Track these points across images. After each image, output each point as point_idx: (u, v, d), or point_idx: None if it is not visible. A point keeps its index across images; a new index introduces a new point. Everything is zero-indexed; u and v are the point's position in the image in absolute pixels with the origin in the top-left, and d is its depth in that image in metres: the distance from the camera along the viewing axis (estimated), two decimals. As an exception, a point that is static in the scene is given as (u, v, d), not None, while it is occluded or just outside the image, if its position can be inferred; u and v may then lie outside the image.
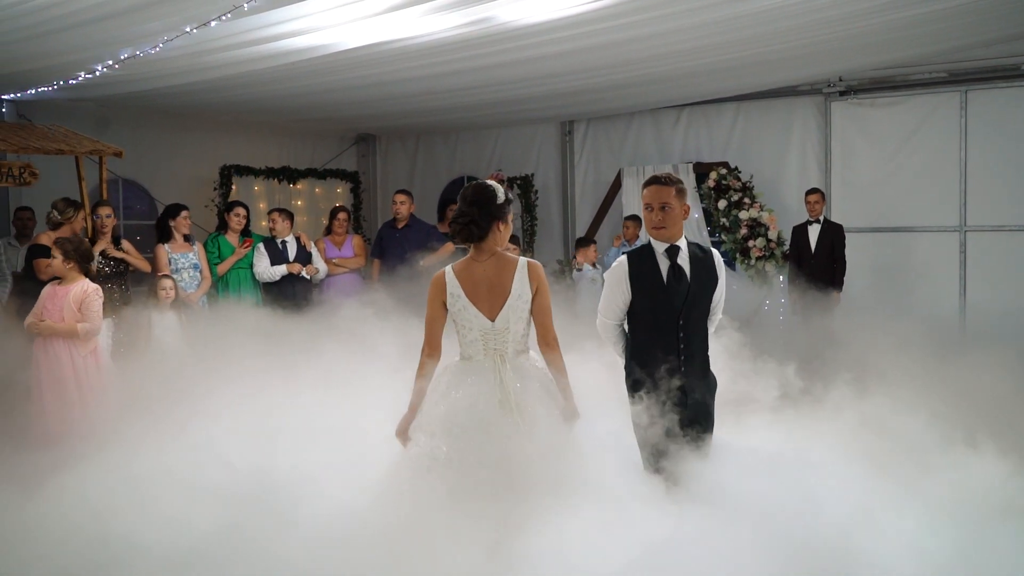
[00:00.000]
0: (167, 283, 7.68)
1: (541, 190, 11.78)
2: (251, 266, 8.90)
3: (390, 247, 9.39)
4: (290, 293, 8.76)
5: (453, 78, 8.45)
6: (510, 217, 4.30)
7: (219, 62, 7.26)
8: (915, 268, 9.37)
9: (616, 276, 4.56)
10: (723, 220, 10.17)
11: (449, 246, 9.48)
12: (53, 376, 6.47)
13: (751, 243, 9.92)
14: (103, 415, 6.09)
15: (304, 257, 9.03)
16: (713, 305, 4.61)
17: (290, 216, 9.19)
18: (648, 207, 4.54)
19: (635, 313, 4.56)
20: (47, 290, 6.67)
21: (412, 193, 9.96)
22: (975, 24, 8.11)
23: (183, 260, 8.45)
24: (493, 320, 4.11)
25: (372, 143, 13.11)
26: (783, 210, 10.05)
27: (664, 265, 4.50)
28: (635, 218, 10.12)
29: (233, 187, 11.00)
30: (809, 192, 9.33)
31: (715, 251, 4.65)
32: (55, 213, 7.77)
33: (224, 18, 5.83)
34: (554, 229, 11.87)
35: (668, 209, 4.48)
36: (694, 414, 4.44)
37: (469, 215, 4.14)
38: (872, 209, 9.70)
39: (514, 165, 11.93)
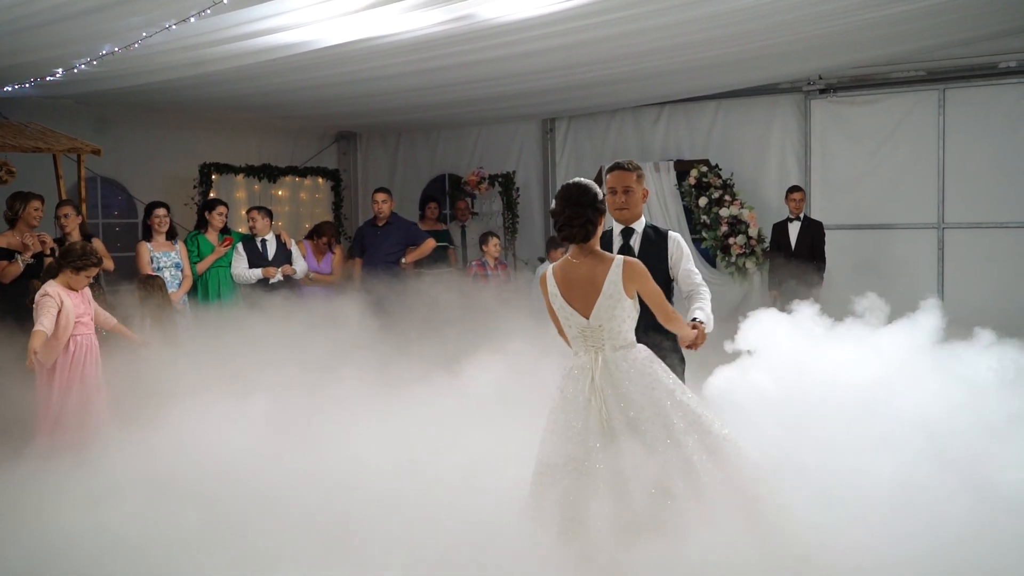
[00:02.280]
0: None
1: (522, 188, 11.79)
2: (230, 266, 8.84)
3: (371, 246, 9.36)
4: (268, 293, 8.68)
5: (434, 75, 8.44)
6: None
7: (199, 59, 7.21)
8: (894, 265, 9.43)
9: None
10: (704, 217, 10.21)
11: (430, 243, 9.46)
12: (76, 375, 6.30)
13: (731, 240, 9.97)
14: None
15: (284, 255, 8.98)
16: (678, 282, 4.95)
17: (269, 214, 9.14)
18: (612, 190, 4.95)
19: None
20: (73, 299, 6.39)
21: (392, 191, 9.93)
22: (952, 23, 8.18)
23: (165, 259, 8.40)
24: (588, 318, 4.14)
25: (353, 141, 13.07)
26: (763, 207, 10.10)
27: (617, 245, 4.96)
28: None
29: (213, 185, 10.94)
30: (792, 189, 9.38)
31: (674, 234, 5.03)
32: (7, 210, 7.58)
33: (204, 14, 5.79)
34: (535, 227, 11.88)
35: (630, 192, 4.93)
36: None
37: (584, 215, 4.14)
38: (851, 206, 9.76)
39: (495, 163, 11.92)
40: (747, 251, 9.91)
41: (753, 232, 9.92)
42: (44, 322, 6.02)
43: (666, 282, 4.90)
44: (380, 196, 9.44)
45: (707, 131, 10.76)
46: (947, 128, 9.37)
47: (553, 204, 4.29)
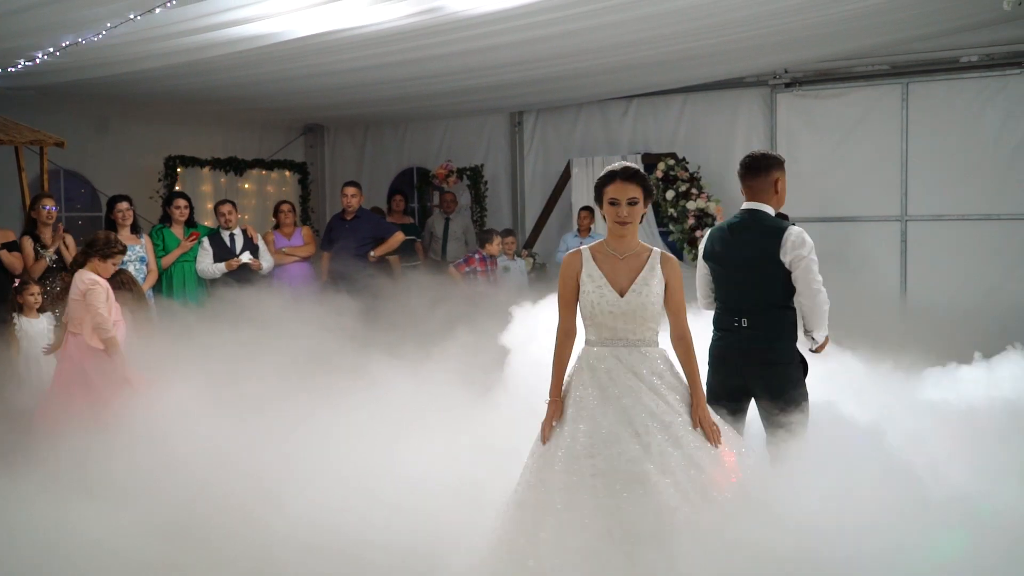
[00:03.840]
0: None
1: (491, 181, 11.79)
2: (195, 260, 8.78)
3: (339, 239, 9.33)
4: (236, 287, 8.62)
5: (402, 68, 8.42)
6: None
7: (164, 50, 7.15)
8: (858, 257, 9.54)
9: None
10: (671, 211, 10.27)
11: (399, 236, 9.44)
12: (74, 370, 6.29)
13: (699, 233, 10.03)
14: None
15: (251, 249, 8.93)
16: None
17: (236, 207, 9.10)
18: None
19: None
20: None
21: (360, 184, 9.90)
22: (915, 18, 8.28)
23: (130, 252, 8.29)
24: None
25: (320, 133, 13.02)
26: (730, 200, 10.15)
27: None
28: (589, 210, 10.18)
29: (178, 178, 10.85)
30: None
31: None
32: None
33: (169, 5, 5.74)
34: (504, 220, 11.88)
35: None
36: None
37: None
38: (816, 199, 9.85)
39: (463, 156, 11.92)
40: (714, 244, 9.99)
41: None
42: (102, 311, 6.15)
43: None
44: (350, 190, 9.41)
45: (674, 124, 10.82)
46: (910, 122, 9.48)
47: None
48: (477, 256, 9.60)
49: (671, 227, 10.35)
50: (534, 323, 6.09)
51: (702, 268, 5.05)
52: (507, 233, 10.10)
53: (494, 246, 9.60)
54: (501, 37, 7.45)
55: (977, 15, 8.34)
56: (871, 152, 9.64)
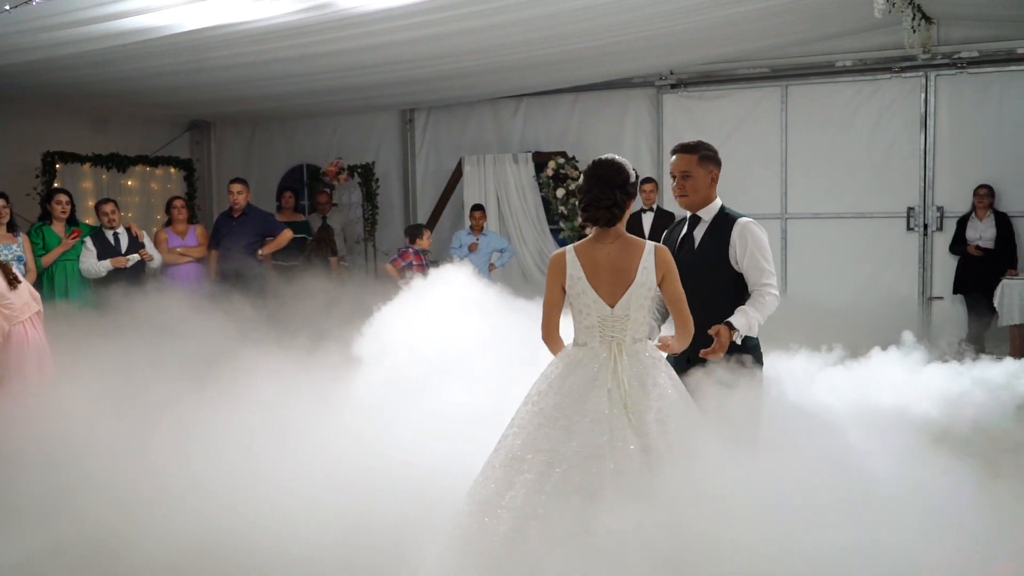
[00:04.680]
0: None
1: (382, 178, 11.74)
2: (78, 259, 8.51)
3: (227, 238, 9.14)
4: (121, 285, 8.40)
5: (292, 64, 8.32)
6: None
7: (42, 43, 6.90)
8: (741, 253, 9.84)
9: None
10: (561, 208, 10.42)
11: (287, 234, 9.31)
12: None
13: (588, 231, 10.19)
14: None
15: (135, 249, 8.70)
16: (752, 280, 4.23)
17: (118, 206, 8.86)
18: (672, 175, 4.45)
19: None
20: None
21: (248, 182, 9.73)
22: (794, 23, 8.61)
23: (6, 252, 7.96)
24: (613, 307, 3.77)
25: (206, 130, 12.74)
26: (618, 199, 10.38)
27: (681, 233, 4.46)
28: (480, 208, 10.24)
29: (57, 175, 10.48)
30: (645, 181, 9.65)
31: (744, 220, 4.35)
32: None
33: (48, -4, 5.57)
34: (396, 218, 11.86)
35: (689, 178, 4.36)
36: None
37: (611, 198, 3.79)
38: (701, 197, 10.12)
39: (354, 153, 11.83)
40: (603, 241, 10.18)
41: (609, 222, 10.18)
42: None
43: (731, 279, 4.26)
44: (236, 187, 9.23)
45: (564, 123, 10.99)
46: (789, 123, 9.86)
47: (581, 180, 3.87)
48: (411, 251, 9.52)
49: (562, 224, 10.50)
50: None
51: None
52: (420, 229, 10.08)
53: (424, 240, 9.54)
54: (392, 35, 7.44)
55: (851, 22, 8.72)
56: (753, 152, 9.97)
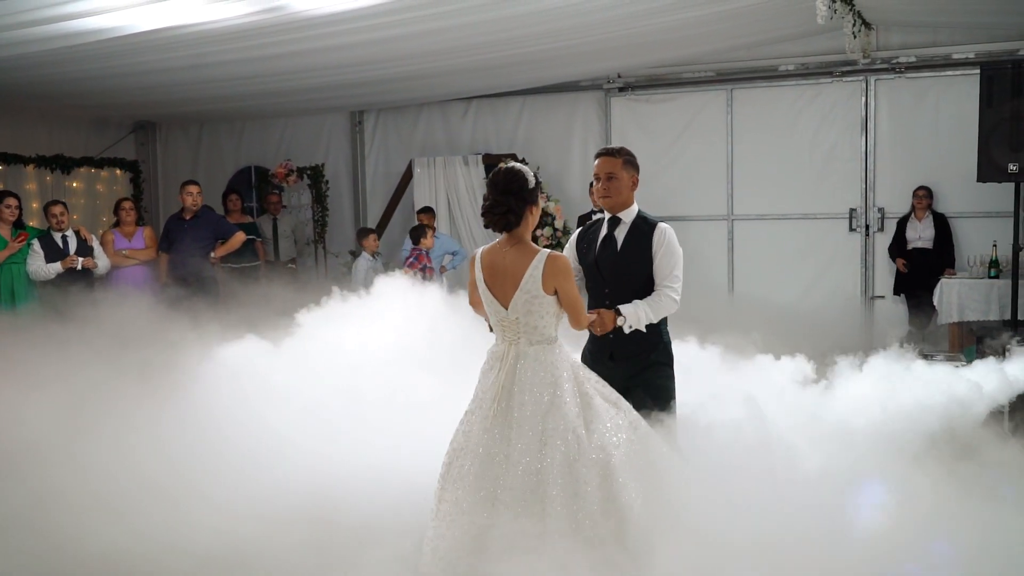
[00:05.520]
0: None
1: (332, 180, 11.72)
2: (25, 262, 8.39)
3: (178, 240, 9.06)
4: (68, 289, 8.29)
5: (240, 66, 8.29)
6: (540, 199, 4.16)
7: (-14, 43, 6.82)
8: (689, 255, 9.91)
9: (569, 242, 4.73)
10: (512, 210, 10.47)
11: (240, 236, 9.25)
12: None
13: (539, 232, 10.29)
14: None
15: (85, 251, 8.60)
16: (658, 281, 4.43)
17: (67, 208, 8.75)
18: (596, 177, 4.61)
19: (583, 281, 4.59)
20: None
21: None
22: (739, 28, 8.77)
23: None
24: (507, 308, 3.97)
25: (152, 131, 12.59)
26: (568, 200, 10.49)
27: (602, 234, 4.58)
28: (428, 210, 10.26)
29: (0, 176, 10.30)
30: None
31: (664, 226, 4.55)
32: None
33: (-6, -2, 5.50)
34: (346, 219, 11.84)
35: (613, 179, 4.54)
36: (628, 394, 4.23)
37: (505, 204, 3.95)
38: (649, 199, 10.13)
39: (303, 155, 11.79)
40: (554, 242, 10.26)
41: (559, 224, 10.28)
42: None
43: (650, 278, 4.47)
44: (193, 188, 9.12)
45: (513, 126, 11.06)
46: (735, 126, 10.04)
47: (542, 188, 4.12)
48: (412, 254, 9.48)
49: (512, 226, 10.55)
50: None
51: None
52: (369, 232, 10.06)
53: (428, 240, 9.50)
54: (341, 38, 7.45)
55: (794, 27, 8.90)
56: (700, 154, 10.14)
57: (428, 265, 9.49)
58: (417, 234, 9.59)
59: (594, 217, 4.89)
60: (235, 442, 4.90)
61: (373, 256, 9.86)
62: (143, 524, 4.30)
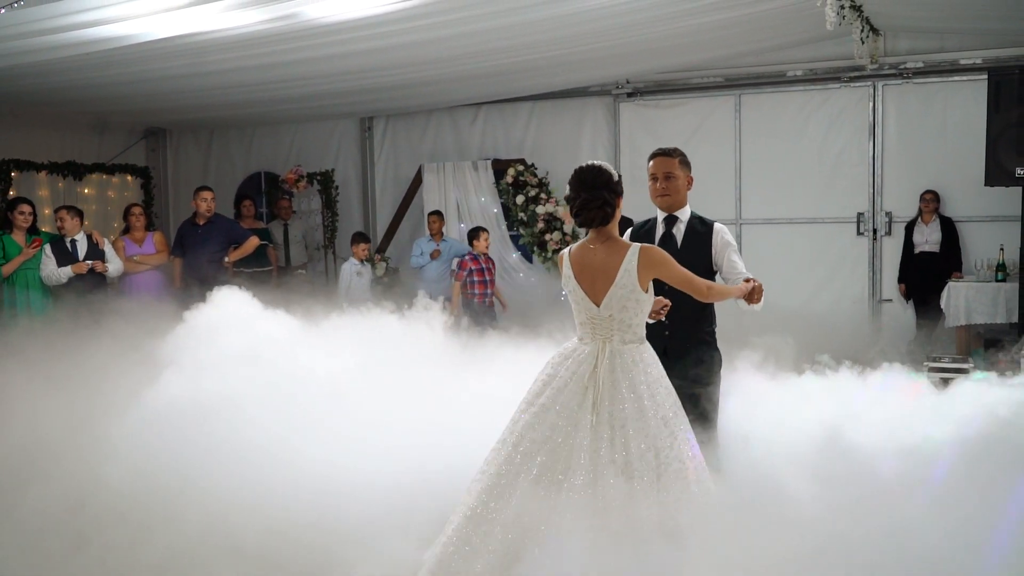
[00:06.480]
0: None
1: (342, 186, 11.79)
2: (39, 268, 8.46)
3: (192, 245, 9.11)
4: (82, 294, 8.35)
5: (252, 73, 8.36)
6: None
7: (6, 51, 6.87)
8: (697, 259, 10.03)
9: None
10: (521, 215, 10.54)
11: (253, 241, 9.29)
12: None
13: (548, 236, 10.35)
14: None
15: (96, 255, 8.66)
16: (735, 277, 4.63)
17: (79, 213, 8.79)
18: (653, 177, 4.71)
19: None
20: None
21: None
22: (747, 34, 8.82)
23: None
24: (599, 306, 3.94)
25: (162, 137, 12.68)
26: (577, 205, 10.53)
27: (659, 233, 4.69)
28: (438, 214, 10.32)
29: (13, 183, 10.38)
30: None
31: (720, 226, 4.74)
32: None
33: (16, 5, 5.57)
34: (355, 225, 11.88)
35: (671, 179, 4.69)
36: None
37: (601, 198, 3.94)
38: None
39: (313, 160, 11.87)
40: (563, 246, 10.32)
41: (568, 229, 10.34)
42: None
43: (709, 275, 4.63)
44: (207, 194, 9.15)
45: (522, 131, 11.12)
46: (743, 131, 10.09)
47: (567, 189, 4.07)
48: (468, 257, 9.49)
49: (521, 231, 10.63)
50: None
51: None
52: (361, 239, 10.10)
53: (481, 243, 9.48)
54: (352, 45, 7.51)
55: (801, 33, 8.95)
56: (708, 159, 10.16)
57: (473, 268, 9.39)
58: (469, 237, 9.57)
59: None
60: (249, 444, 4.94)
61: (362, 263, 9.91)
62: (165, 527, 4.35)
